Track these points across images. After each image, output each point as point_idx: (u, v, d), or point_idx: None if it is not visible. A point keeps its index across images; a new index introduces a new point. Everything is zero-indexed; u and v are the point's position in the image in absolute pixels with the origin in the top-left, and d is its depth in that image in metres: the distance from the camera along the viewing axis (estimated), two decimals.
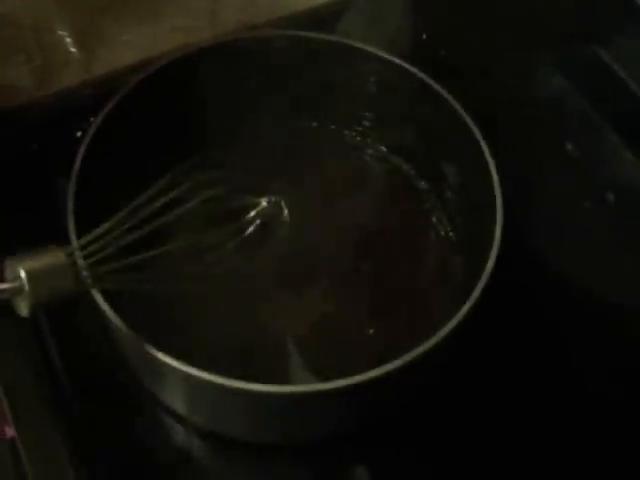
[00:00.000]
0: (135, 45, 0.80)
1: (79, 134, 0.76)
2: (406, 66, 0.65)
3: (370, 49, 0.66)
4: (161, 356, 0.50)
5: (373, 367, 0.50)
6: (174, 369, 0.50)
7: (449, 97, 0.63)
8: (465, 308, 0.53)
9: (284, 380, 0.61)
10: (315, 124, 0.74)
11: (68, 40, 0.79)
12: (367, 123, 0.72)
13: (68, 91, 0.78)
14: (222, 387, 0.49)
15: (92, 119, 0.74)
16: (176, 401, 0.61)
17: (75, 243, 0.52)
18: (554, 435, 0.64)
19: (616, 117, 0.82)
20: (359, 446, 0.62)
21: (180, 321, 0.62)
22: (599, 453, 0.63)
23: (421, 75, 0.65)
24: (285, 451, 0.62)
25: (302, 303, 0.65)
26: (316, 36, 0.67)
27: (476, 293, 0.54)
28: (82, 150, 0.59)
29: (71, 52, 0.79)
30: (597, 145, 0.82)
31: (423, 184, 0.72)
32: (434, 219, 0.70)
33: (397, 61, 0.66)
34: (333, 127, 0.74)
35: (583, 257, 0.73)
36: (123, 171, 0.63)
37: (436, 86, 0.64)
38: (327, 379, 0.50)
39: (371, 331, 0.63)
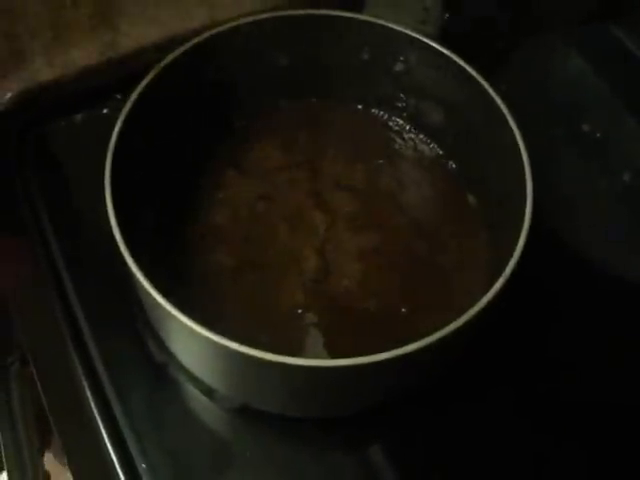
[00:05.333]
0: (160, 21, 0.80)
1: (105, 111, 0.77)
2: (438, 47, 0.66)
3: (400, 29, 0.66)
4: (198, 328, 0.50)
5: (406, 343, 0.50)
6: (210, 341, 0.50)
7: (484, 82, 0.64)
8: (498, 285, 0.54)
9: (309, 353, 0.61)
10: (344, 102, 0.74)
11: (91, 18, 0.79)
12: (399, 104, 0.73)
13: (94, 69, 0.79)
14: (263, 361, 0.50)
15: (119, 96, 0.76)
16: (208, 374, 0.62)
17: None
18: (578, 413, 0.65)
19: (633, 98, 0.83)
20: (389, 419, 0.63)
21: (208, 290, 0.64)
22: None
23: (454, 57, 0.65)
24: (315, 424, 0.63)
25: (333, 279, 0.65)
26: (348, 15, 0.67)
27: (508, 270, 0.54)
28: (120, 123, 0.60)
29: (95, 30, 0.79)
30: (613, 126, 0.83)
31: (452, 164, 0.72)
32: (463, 199, 0.70)
33: (428, 42, 0.66)
34: (360, 107, 0.75)
35: (600, 236, 0.74)
36: (157, 147, 0.64)
37: (469, 69, 0.65)
38: (350, 354, 0.50)
39: (404, 310, 0.63)
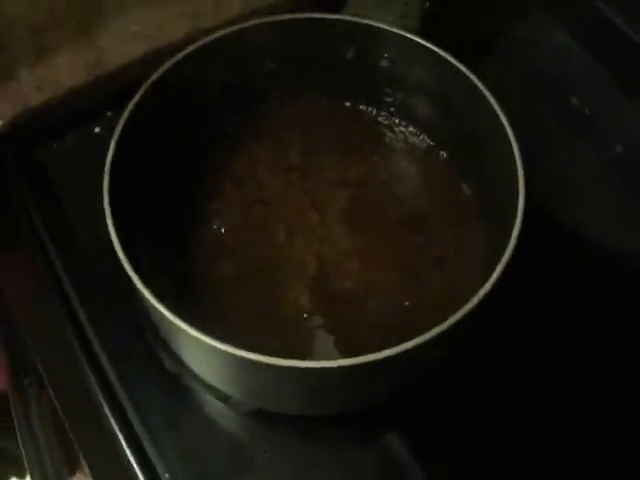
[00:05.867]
0: (143, 35, 0.81)
1: (97, 130, 0.78)
2: (420, 41, 0.66)
3: (383, 26, 0.67)
4: (209, 340, 0.51)
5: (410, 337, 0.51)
6: (221, 351, 0.51)
7: (467, 71, 0.64)
8: (498, 270, 0.54)
9: (319, 355, 0.63)
10: (333, 101, 0.75)
11: (74, 38, 0.80)
12: (387, 99, 0.74)
13: (82, 89, 0.79)
14: (276, 367, 0.51)
15: (109, 113, 0.77)
16: (221, 381, 0.63)
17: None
18: (579, 401, 0.66)
19: (619, 70, 0.84)
20: (400, 410, 0.64)
21: (212, 300, 0.65)
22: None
23: (437, 50, 0.66)
24: (330, 420, 0.63)
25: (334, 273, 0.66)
26: (332, 17, 0.68)
27: (506, 258, 0.55)
28: (114, 140, 0.61)
29: (79, 50, 0.80)
30: (602, 101, 0.83)
31: (443, 154, 0.73)
32: (457, 188, 0.71)
33: (411, 37, 0.67)
34: (348, 104, 0.76)
35: (594, 211, 0.75)
36: (151, 160, 0.66)
37: (453, 60, 0.65)
38: (361, 351, 0.51)
39: (407, 303, 0.64)
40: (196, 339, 0.51)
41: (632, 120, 0.82)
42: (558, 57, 0.87)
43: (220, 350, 0.51)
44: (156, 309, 0.52)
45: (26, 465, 0.69)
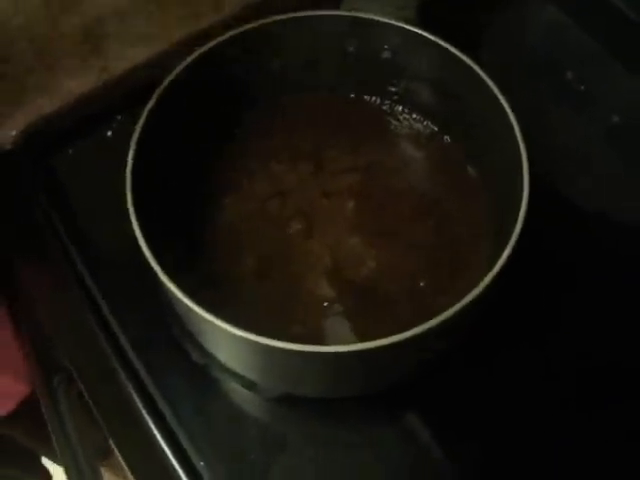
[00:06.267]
0: (148, 38, 0.82)
1: (109, 133, 0.80)
2: (419, 32, 0.68)
3: (383, 19, 0.69)
4: (236, 331, 0.53)
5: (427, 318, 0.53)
6: (248, 341, 0.53)
7: (467, 59, 0.66)
8: (506, 251, 0.56)
9: (340, 340, 0.64)
10: (338, 94, 0.77)
11: (80, 47, 0.82)
12: (390, 88, 0.75)
13: (91, 95, 0.81)
14: (296, 352, 0.53)
15: (119, 117, 0.79)
16: (248, 370, 0.65)
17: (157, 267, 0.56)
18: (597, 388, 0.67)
19: (612, 44, 0.85)
20: (422, 388, 0.66)
21: (234, 292, 0.66)
22: None
23: (436, 39, 0.68)
24: (356, 401, 0.66)
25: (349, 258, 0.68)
26: (333, 13, 0.70)
27: (514, 238, 0.57)
28: (134, 141, 0.62)
29: (86, 58, 0.81)
30: (597, 72, 0.85)
31: (447, 139, 0.74)
32: (463, 171, 0.73)
33: (410, 28, 0.68)
34: (353, 96, 0.78)
35: (594, 180, 0.77)
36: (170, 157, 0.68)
37: (451, 48, 0.67)
38: (380, 335, 0.53)
39: (422, 284, 0.66)
40: (224, 330, 0.53)
41: (627, 93, 0.84)
42: (551, 34, 0.88)
43: (248, 339, 0.53)
44: (183, 303, 0.54)
45: (61, 461, 0.70)
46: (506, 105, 0.63)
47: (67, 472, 0.69)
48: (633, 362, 0.68)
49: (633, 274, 0.72)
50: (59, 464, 0.78)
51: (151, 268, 0.56)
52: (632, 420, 0.65)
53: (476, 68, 0.65)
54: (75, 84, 0.80)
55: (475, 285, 0.55)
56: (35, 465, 1.01)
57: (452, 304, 0.54)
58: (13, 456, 0.96)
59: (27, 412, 0.79)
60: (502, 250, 0.56)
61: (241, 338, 0.53)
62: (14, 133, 0.78)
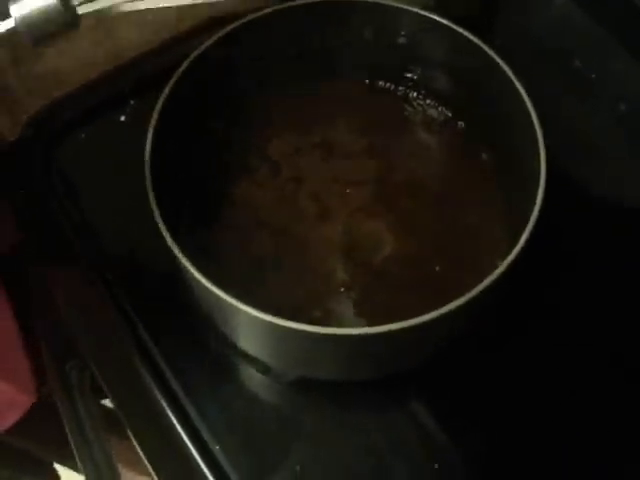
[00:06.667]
0: (159, 22, 0.82)
1: (122, 118, 0.80)
2: (436, 18, 0.68)
3: (399, 5, 0.69)
4: (259, 314, 0.53)
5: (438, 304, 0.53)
6: (271, 324, 0.54)
7: (482, 44, 0.66)
8: (524, 236, 0.56)
9: (357, 324, 0.65)
10: (352, 80, 0.77)
11: (92, 31, 0.82)
12: (404, 74, 0.75)
13: (103, 79, 0.81)
14: (314, 335, 0.53)
15: (132, 102, 0.79)
16: (265, 353, 0.66)
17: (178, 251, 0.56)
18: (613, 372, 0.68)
19: (619, 31, 0.85)
20: (435, 375, 0.66)
21: (252, 277, 0.67)
22: None
23: (452, 25, 0.68)
24: (370, 384, 0.66)
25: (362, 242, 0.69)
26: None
27: (531, 223, 0.57)
28: (152, 126, 0.62)
29: (97, 42, 0.81)
30: (604, 60, 0.85)
31: (461, 124, 0.75)
32: (477, 156, 0.73)
33: (426, 14, 0.69)
34: (367, 82, 0.78)
35: (600, 166, 0.77)
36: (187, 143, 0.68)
37: (467, 34, 0.67)
38: (396, 319, 0.53)
39: (437, 268, 0.66)
40: (247, 313, 0.53)
41: (634, 80, 0.84)
42: (559, 22, 0.88)
43: (270, 322, 0.53)
44: (205, 287, 0.55)
45: (75, 455, 0.70)
46: (522, 91, 0.63)
47: (84, 466, 0.69)
48: None
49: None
50: (72, 468, 0.79)
51: (172, 253, 0.56)
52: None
53: (492, 53, 0.65)
54: (88, 69, 0.80)
55: (490, 271, 0.55)
56: (44, 469, 1.01)
57: (468, 289, 0.54)
58: (25, 465, 0.96)
59: (37, 422, 0.79)
60: (518, 235, 0.57)
61: (264, 321, 0.53)
62: (24, 119, 0.78)
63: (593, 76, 0.83)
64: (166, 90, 0.64)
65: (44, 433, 0.83)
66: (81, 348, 0.69)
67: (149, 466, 0.64)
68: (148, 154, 0.61)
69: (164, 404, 0.66)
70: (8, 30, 0.51)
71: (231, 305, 0.54)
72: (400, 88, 0.77)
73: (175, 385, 0.67)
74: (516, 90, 0.64)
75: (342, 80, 0.76)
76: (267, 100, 0.75)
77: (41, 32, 0.52)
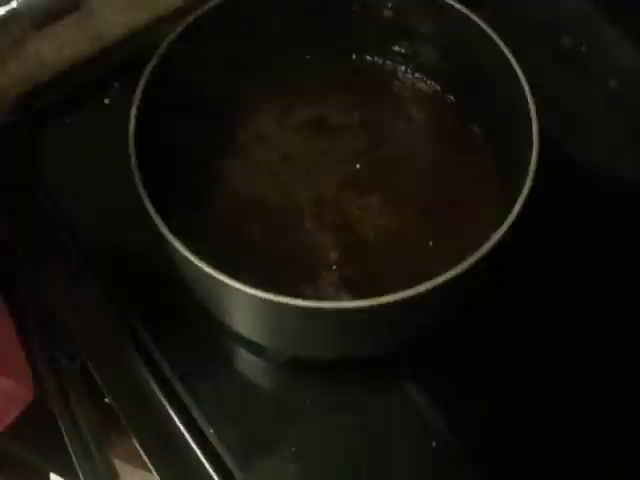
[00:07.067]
0: (142, 5, 0.81)
1: (107, 101, 0.79)
2: None
3: None
4: (254, 291, 0.52)
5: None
6: (265, 301, 0.53)
7: (472, 15, 0.66)
8: (516, 208, 0.56)
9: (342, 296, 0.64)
10: (339, 55, 0.76)
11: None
12: (392, 47, 0.75)
13: (87, 62, 0.80)
14: (306, 309, 0.53)
15: (116, 84, 0.78)
16: (258, 333, 0.65)
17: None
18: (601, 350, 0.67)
19: (608, 6, 0.85)
20: (427, 354, 0.66)
21: (240, 254, 0.66)
22: None
23: None
24: (362, 363, 0.65)
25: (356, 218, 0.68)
26: None
27: (523, 195, 0.56)
28: (135, 107, 0.61)
29: (80, 24, 0.80)
30: (594, 36, 0.84)
31: (451, 98, 0.74)
32: (467, 130, 0.72)
33: None
34: (355, 56, 0.77)
35: (591, 140, 0.77)
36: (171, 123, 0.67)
37: (460, 7, 0.66)
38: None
39: (431, 243, 0.66)
40: (239, 290, 0.53)
41: (623, 55, 0.83)
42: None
43: (263, 299, 0.52)
44: (196, 266, 0.54)
45: (73, 457, 0.69)
46: (514, 62, 0.62)
47: (77, 459, 0.69)
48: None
49: (634, 230, 0.72)
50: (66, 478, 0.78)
51: (161, 234, 0.55)
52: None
53: (481, 24, 0.65)
54: (71, 52, 0.79)
55: (483, 243, 0.54)
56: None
57: (461, 262, 0.53)
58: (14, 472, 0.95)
59: (29, 423, 0.77)
60: (511, 207, 0.56)
61: (256, 297, 0.53)
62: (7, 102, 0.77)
63: (583, 53, 0.83)
64: (148, 69, 0.63)
65: (39, 438, 0.82)
66: (72, 338, 0.69)
67: (142, 453, 0.63)
68: (132, 135, 0.60)
69: (157, 390, 0.65)
70: (8, 12, 0.49)
71: (223, 282, 0.53)
72: (388, 62, 0.76)
73: (168, 371, 0.66)
74: (507, 61, 0.63)
75: (329, 56, 0.75)
76: (254, 77, 0.74)
77: (42, 14, 0.50)
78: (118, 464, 0.70)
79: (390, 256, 0.65)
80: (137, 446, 0.64)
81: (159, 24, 0.80)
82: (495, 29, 0.65)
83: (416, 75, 0.75)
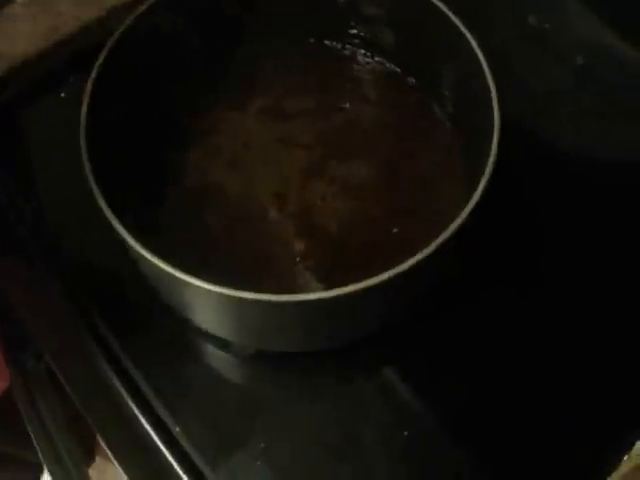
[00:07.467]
0: None
1: (63, 94, 0.77)
2: None
3: None
4: (211, 286, 0.51)
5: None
6: (223, 295, 0.51)
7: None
8: (479, 188, 0.55)
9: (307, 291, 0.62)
10: (297, 39, 0.75)
11: (30, 7, 0.79)
12: (349, 31, 0.74)
13: (42, 55, 0.78)
14: (268, 303, 0.51)
15: (72, 77, 0.76)
16: (222, 328, 0.64)
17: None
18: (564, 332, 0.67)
19: None
20: (397, 341, 0.66)
21: (204, 250, 0.65)
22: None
23: None
24: (329, 355, 0.64)
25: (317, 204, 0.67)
26: None
27: (486, 175, 0.55)
28: (86, 101, 0.60)
29: (36, 18, 0.79)
30: (558, 13, 0.84)
31: (412, 80, 0.73)
32: (429, 111, 0.71)
33: None
34: (313, 40, 0.76)
35: (564, 123, 0.76)
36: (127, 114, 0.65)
37: None
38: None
39: (395, 230, 0.65)
40: (198, 287, 0.51)
41: (589, 32, 0.83)
42: None
43: (223, 294, 0.51)
44: (154, 264, 0.52)
45: (37, 448, 0.69)
46: (473, 41, 0.61)
47: (44, 456, 0.68)
48: (609, 298, 0.68)
49: (601, 206, 0.72)
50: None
51: (115, 231, 0.54)
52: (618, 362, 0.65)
53: (439, 4, 0.63)
54: (25, 45, 0.77)
55: (449, 224, 0.54)
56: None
57: (426, 247, 0.52)
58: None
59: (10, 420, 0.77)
60: (474, 189, 0.55)
61: (216, 294, 0.51)
62: None
63: (548, 31, 0.82)
64: (100, 60, 0.61)
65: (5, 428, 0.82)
66: (35, 338, 0.68)
67: (109, 452, 0.62)
68: (83, 129, 0.58)
69: (122, 390, 0.64)
70: None
71: (179, 279, 0.52)
72: (347, 47, 0.75)
73: (132, 369, 0.65)
74: (467, 42, 0.62)
75: (286, 42, 0.74)
76: (209, 66, 0.73)
77: None
78: (101, 461, 0.69)
79: (354, 245, 0.64)
80: (104, 447, 0.62)
81: (115, 16, 0.78)
82: (459, 10, 0.64)
83: (376, 58, 0.74)
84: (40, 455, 0.68)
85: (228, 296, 0.51)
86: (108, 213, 0.54)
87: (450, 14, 0.63)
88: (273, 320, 0.58)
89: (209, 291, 0.51)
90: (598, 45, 0.82)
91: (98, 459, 0.87)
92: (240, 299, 0.51)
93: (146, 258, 0.52)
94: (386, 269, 0.51)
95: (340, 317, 0.58)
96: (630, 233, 0.71)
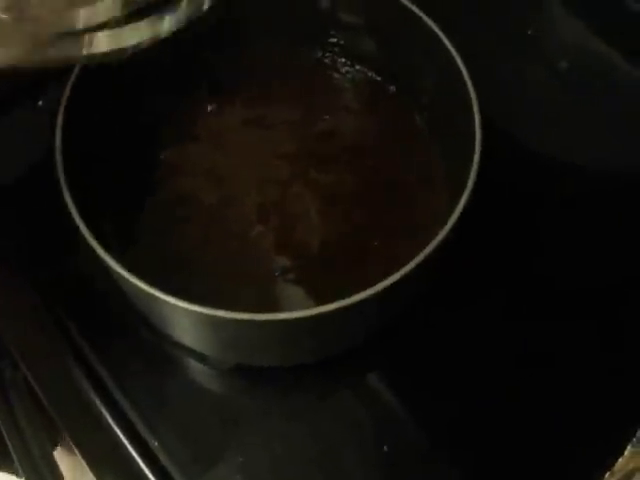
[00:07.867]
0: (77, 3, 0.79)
1: (40, 103, 0.76)
2: None
3: None
4: (186, 305, 0.50)
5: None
6: (200, 314, 0.51)
7: (408, 3, 0.64)
8: (463, 199, 0.54)
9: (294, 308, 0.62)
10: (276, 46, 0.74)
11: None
12: (329, 40, 0.73)
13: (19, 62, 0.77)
14: (245, 322, 0.51)
15: (50, 85, 0.75)
16: (200, 343, 0.63)
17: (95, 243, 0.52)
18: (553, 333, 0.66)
19: None
20: (377, 353, 0.65)
21: (182, 265, 0.64)
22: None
23: None
24: (310, 368, 0.64)
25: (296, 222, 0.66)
26: None
27: (470, 183, 0.55)
28: (61, 111, 0.59)
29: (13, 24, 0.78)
30: (543, 18, 0.84)
31: (392, 88, 0.73)
32: (410, 119, 0.71)
33: None
34: (292, 48, 0.75)
35: (548, 128, 0.76)
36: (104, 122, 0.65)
37: None
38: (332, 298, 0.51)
39: (376, 243, 0.64)
40: (171, 304, 0.51)
41: (573, 37, 0.82)
42: None
43: (198, 313, 0.50)
44: (130, 282, 0.52)
45: (10, 448, 0.68)
46: (452, 49, 0.61)
47: (20, 463, 0.67)
48: (601, 299, 0.67)
49: (585, 210, 0.72)
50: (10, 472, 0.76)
51: (90, 246, 0.53)
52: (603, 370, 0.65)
53: (418, 12, 0.63)
54: (4, 53, 0.76)
55: (433, 237, 0.53)
56: None
57: (409, 260, 0.52)
58: None
59: None
60: (458, 198, 0.55)
61: (193, 312, 0.51)
62: None
63: (532, 35, 0.82)
64: (76, 69, 0.61)
65: None
66: (9, 346, 0.67)
67: (86, 465, 0.61)
68: (58, 139, 0.57)
69: (98, 402, 0.63)
70: None
71: (156, 297, 0.51)
72: (327, 55, 0.74)
73: (109, 382, 0.64)
74: (446, 49, 0.62)
75: (266, 50, 0.73)
76: (189, 76, 0.72)
77: None
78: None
79: (334, 257, 0.64)
80: (80, 458, 0.62)
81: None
82: (440, 17, 0.64)
83: (356, 67, 0.74)
84: (17, 464, 0.67)
85: (205, 315, 0.50)
86: (84, 230, 0.53)
87: (428, 20, 0.63)
88: (251, 337, 0.57)
89: (186, 309, 0.51)
90: (582, 50, 0.82)
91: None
92: (216, 317, 0.51)
93: (122, 276, 0.52)
94: (366, 282, 0.51)
95: (320, 333, 0.58)
96: (615, 238, 0.70)
